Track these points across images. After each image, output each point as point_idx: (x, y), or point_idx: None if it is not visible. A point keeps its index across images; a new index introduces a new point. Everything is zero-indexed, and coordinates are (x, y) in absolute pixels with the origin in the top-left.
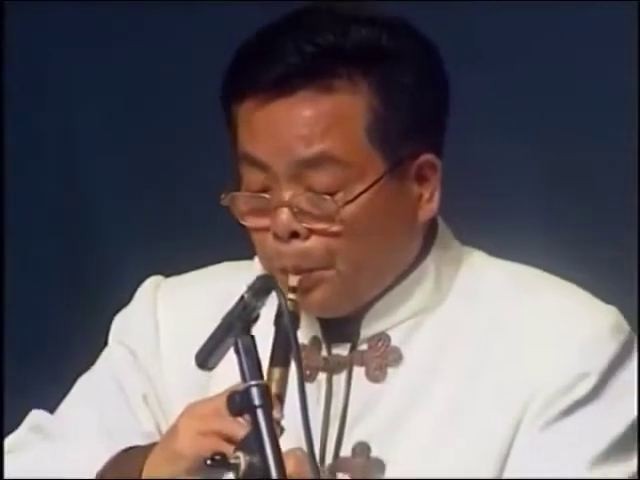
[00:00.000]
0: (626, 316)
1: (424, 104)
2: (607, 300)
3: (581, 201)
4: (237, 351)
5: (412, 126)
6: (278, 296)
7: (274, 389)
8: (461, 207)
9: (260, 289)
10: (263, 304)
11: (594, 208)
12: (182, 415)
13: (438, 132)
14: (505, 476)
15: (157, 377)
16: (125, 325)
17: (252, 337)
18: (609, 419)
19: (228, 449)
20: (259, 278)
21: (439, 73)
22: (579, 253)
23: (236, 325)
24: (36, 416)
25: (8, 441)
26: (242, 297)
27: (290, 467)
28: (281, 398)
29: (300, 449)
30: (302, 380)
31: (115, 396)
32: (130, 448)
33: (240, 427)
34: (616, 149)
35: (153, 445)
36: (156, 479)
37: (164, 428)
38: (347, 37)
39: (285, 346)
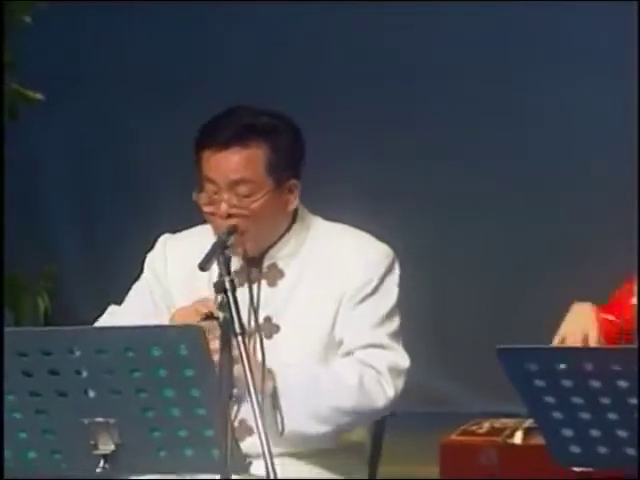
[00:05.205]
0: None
1: (293, 154)
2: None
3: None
4: (218, 262)
5: (287, 165)
6: (224, 234)
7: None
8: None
9: (228, 232)
10: (230, 239)
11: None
12: (175, 313)
13: (299, 168)
14: (335, 333)
15: (166, 285)
16: (151, 260)
17: (226, 256)
18: (382, 304)
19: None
20: (227, 227)
21: (300, 139)
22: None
23: (217, 249)
24: (111, 307)
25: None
26: (219, 236)
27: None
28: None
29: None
30: (233, 283)
31: (147, 294)
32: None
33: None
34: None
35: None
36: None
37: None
38: (257, 120)
39: (227, 262)
